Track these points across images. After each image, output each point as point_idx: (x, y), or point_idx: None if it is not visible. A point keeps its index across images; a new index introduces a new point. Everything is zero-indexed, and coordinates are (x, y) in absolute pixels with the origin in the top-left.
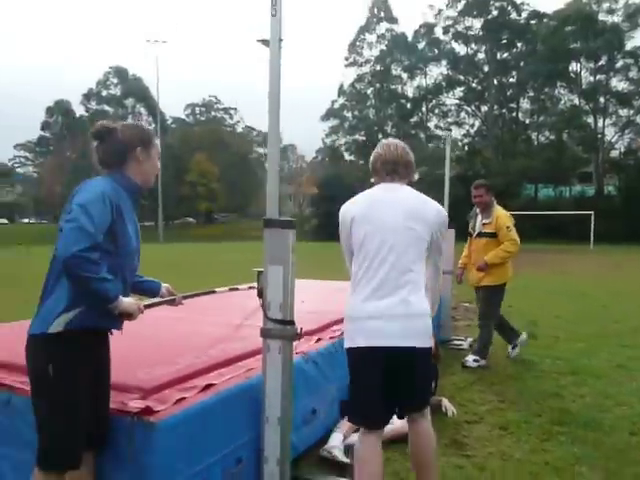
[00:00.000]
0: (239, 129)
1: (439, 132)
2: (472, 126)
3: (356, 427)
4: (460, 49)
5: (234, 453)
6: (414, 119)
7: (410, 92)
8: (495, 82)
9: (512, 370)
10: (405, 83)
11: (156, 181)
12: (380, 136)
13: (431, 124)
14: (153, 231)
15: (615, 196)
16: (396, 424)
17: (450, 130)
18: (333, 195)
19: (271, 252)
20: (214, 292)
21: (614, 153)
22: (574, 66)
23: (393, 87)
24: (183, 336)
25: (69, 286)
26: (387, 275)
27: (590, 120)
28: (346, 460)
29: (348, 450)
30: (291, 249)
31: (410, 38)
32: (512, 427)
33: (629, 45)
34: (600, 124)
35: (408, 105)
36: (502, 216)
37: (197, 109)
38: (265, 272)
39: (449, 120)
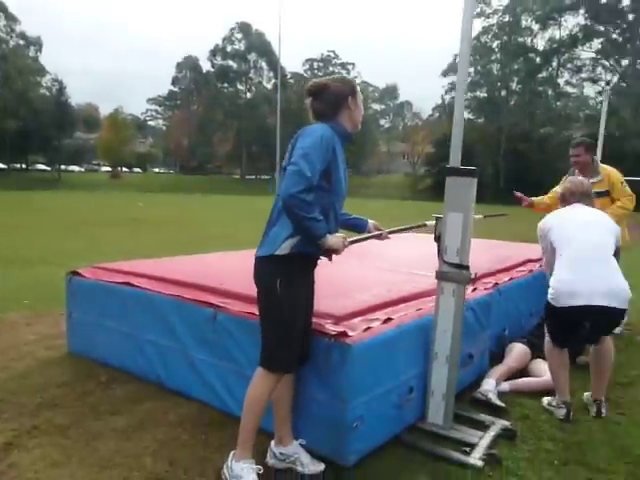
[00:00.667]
0: None
1: (569, 89)
2: (608, 83)
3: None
4: None
5: (407, 382)
6: (542, 75)
7: (540, 45)
8: None
9: None
10: (535, 35)
11: (274, 136)
12: (503, 93)
13: (561, 80)
14: (267, 184)
15: None
16: (544, 378)
17: (583, 87)
18: (447, 154)
19: (452, 199)
20: (425, 225)
21: None
22: None
23: (521, 40)
24: (356, 275)
25: None
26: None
27: None
28: (500, 404)
29: (500, 396)
30: (473, 197)
31: None
32: None
33: None
34: None
35: (537, 59)
36: (614, 172)
37: (315, 64)
38: (445, 218)
39: (583, 76)
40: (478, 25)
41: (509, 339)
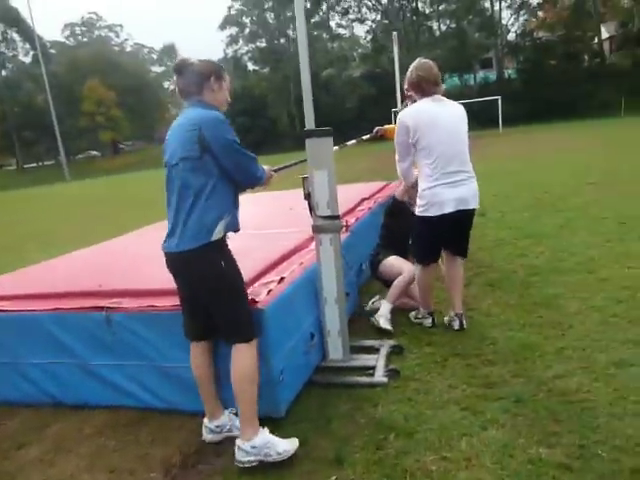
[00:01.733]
0: (128, 48)
1: (341, 30)
2: (374, 21)
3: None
4: None
5: (308, 329)
6: (316, 19)
7: None
8: None
9: (474, 243)
10: None
11: (49, 115)
12: (283, 41)
13: (333, 23)
14: (56, 170)
15: (515, 79)
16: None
17: (353, 28)
18: (244, 109)
19: (315, 159)
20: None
21: (511, 36)
22: None
23: None
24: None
25: (215, 202)
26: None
27: (487, 5)
28: (387, 327)
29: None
30: (331, 154)
31: None
32: (497, 284)
33: None
34: (497, 7)
35: (308, 5)
36: None
37: (77, 29)
38: (311, 177)
39: (351, 17)
40: None
41: (366, 272)
